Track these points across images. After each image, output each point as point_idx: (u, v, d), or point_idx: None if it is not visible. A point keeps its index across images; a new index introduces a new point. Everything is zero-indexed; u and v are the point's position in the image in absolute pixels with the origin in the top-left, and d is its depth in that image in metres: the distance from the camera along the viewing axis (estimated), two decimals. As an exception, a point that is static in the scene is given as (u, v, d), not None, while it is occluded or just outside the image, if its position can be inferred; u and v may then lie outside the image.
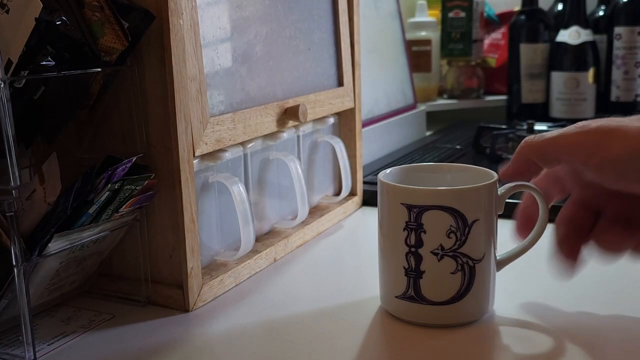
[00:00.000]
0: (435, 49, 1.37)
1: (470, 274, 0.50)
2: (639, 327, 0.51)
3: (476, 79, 1.42)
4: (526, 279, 0.60)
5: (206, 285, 0.57)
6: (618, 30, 1.28)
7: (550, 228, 0.55)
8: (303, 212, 0.70)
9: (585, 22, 1.28)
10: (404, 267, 0.51)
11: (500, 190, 0.52)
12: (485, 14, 1.43)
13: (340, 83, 0.79)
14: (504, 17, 1.48)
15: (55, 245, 0.48)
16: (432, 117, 1.34)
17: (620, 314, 0.53)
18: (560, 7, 1.39)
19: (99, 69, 0.51)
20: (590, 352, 0.47)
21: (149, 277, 0.57)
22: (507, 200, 0.53)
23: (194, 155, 0.54)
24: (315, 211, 0.78)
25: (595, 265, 0.63)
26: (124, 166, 0.50)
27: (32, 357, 0.47)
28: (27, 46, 0.45)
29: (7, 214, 0.45)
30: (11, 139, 0.43)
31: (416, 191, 0.50)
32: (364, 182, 0.86)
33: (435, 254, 0.49)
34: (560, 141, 0.48)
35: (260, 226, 0.69)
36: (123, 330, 0.53)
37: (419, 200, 0.49)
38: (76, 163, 0.55)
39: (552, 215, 0.55)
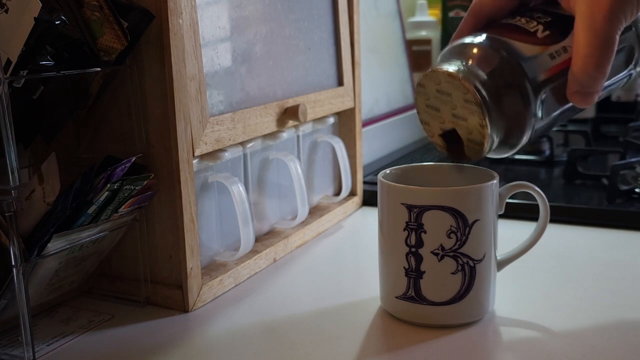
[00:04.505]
0: (435, 48, 1.37)
1: (471, 274, 0.50)
2: (638, 327, 0.50)
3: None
4: (526, 279, 0.60)
5: (206, 285, 0.57)
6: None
7: (550, 228, 0.55)
8: (303, 212, 0.70)
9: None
10: (404, 268, 0.50)
11: (501, 190, 0.52)
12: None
13: (340, 83, 0.79)
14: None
15: (55, 245, 0.48)
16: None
17: (620, 315, 0.52)
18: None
19: (98, 69, 0.51)
20: (590, 352, 0.46)
21: (148, 278, 0.57)
22: (507, 200, 0.53)
23: (193, 155, 0.54)
24: (315, 211, 0.78)
25: (595, 265, 0.64)
26: (123, 166, 0.50)
27: (32, 358, 0.47)
28: (26, 46, 0.44)
29: (6, 214, 0.45)
30: (10, 139, 0.43)
31: (416, 191, 0.50)
32: (364, 182, 0.86)
33: (436, 254, 0.49)
34: None
35: (260, 226, 0.69)
36: (122, 330, 0.52)
37: (419, 201, 0.49)
38: (75, 163, 0.55)
39: (552, 215, 0.55)
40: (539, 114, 0.44)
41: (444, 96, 0.45)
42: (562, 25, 0.45)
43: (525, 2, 0.49)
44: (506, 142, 0.46)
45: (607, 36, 0.42)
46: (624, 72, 0.49)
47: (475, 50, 0.45)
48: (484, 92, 0.43)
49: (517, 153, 0.93)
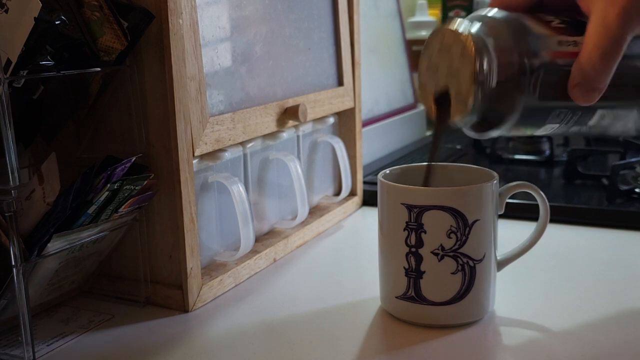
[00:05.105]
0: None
1: (471, 274, 0.50)
2: (638, 327, 0.50)
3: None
4: (526, 279, 0.60)
5: (206, 285, 0.57)
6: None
7: (550, 228, 0.55)
8: (303, 212, 0.70)
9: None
10: (404, 268, 0.50)
11: (501, 190, 0.52)
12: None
13: (340, 83, 0.79)
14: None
15: (55, 245, 0.48)
16: (432, 117, 1.34)
17: (619, 314, 0.52)
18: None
19: (98, 69, 0.51)
20: (590, 352, 0.46)
21: (148, 278, 0.57)
22: (507, 200, 0.53)
23: (193, 155, 0.54)
24: (315, 211, 0.78)
25: (594, 265, 0.64)
26: (123, 166, 0.50)
27: (31, 358, 0.47)
28: (26, 46, 0.45)
29: (6, 214, 0.45)
30: (10, 139, 0.43)
31: (416, 191, 0.50)
32: (364, 182, 0.86)
33: (436, 254, 0.49)
34: None
35: (260, 226, 0.69)
36: (122, 330, 0.52)
37: (419, 200, 0.49)
38: (75, 163, 0.55)
39: (552, 215, 0.55)
40: (534, 93, 0.44)
41: (444, 53, 0.46)
42: (578, 27, 0.46)
43: (548, 7, 0.49)
44: (494, 113, 0.45)
45: (617, 32, 0.43)
46: (637, 100, 0.49)
47: (486, 18, 0.46)
48: (481, 48, 0.43)
49: (517, 153, 0.92)
